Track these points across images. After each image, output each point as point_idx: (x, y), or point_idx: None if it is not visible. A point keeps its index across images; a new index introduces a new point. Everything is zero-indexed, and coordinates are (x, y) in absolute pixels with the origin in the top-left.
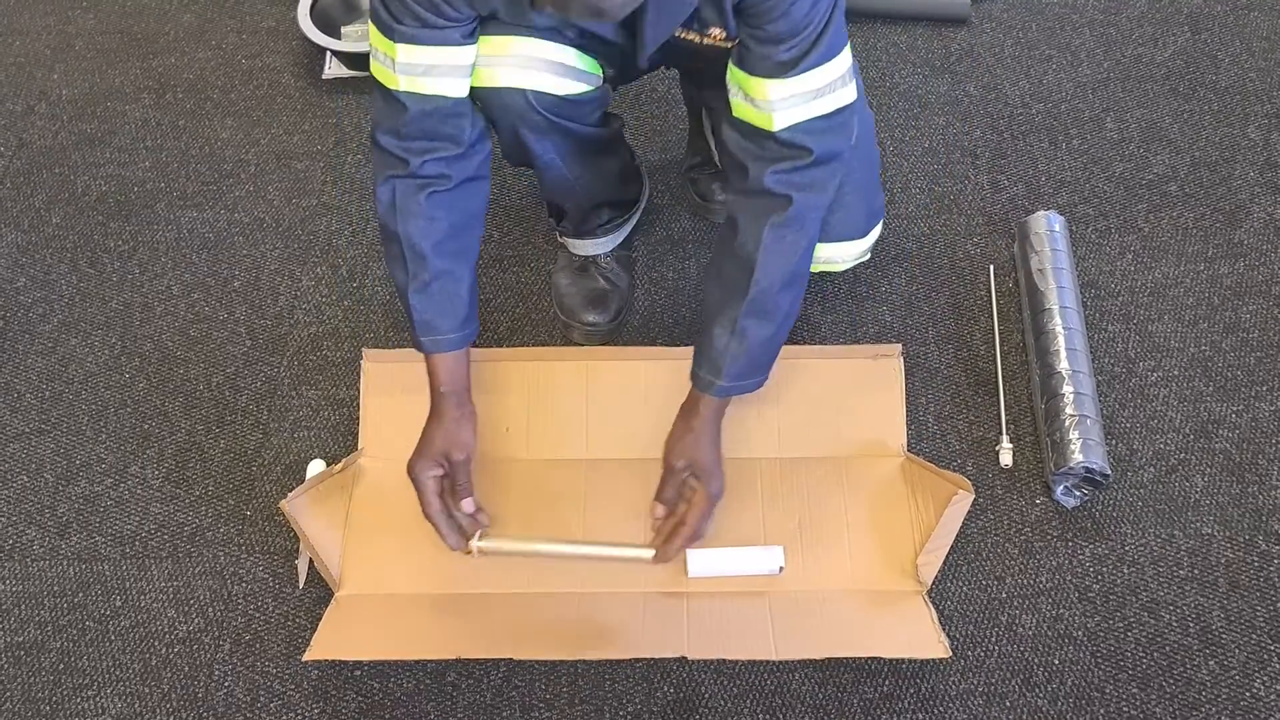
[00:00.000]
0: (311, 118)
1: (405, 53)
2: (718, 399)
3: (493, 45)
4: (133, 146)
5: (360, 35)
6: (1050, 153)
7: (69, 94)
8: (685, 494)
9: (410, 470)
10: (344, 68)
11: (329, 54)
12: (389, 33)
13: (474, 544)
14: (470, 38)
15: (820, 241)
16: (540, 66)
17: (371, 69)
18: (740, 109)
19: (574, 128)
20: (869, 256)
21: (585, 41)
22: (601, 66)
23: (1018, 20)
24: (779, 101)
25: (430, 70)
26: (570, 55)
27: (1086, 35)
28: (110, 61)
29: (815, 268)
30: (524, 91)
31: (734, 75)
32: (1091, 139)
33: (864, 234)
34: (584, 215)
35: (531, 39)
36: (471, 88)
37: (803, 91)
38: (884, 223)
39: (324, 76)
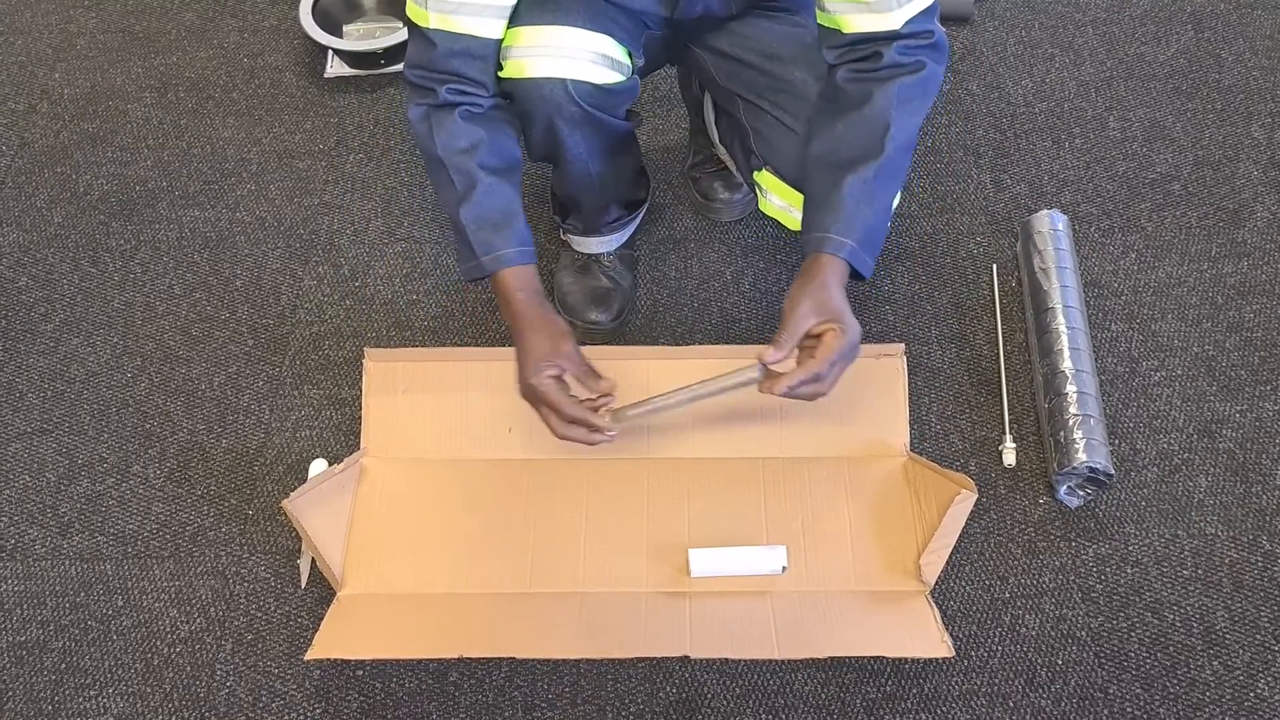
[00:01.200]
0: (313, 117)
1: None
2: (846, 262)
3: (530, 36)
4: (135, 145)
5: (362, 34)
6: (1053, 152)
7: (71, 93)
8: (808, 345)
9: (526, 386)
10: (346, 66)
11: (331, 53)
12: None
13: (610, 431)
14: None
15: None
16: (580, 55)
17: (407, 8)
18: (853, 23)
19: (606, 120)
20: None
21: (620, 23)
22: (632, 55)
23: (1020, 19)
24: None
25: (461, 6)
26: (607, 44)
27: (1089, 34)
28: (112, 60)
29: (790, 221)
30: (564, 81)
31: None
32: (1094, 138)
33: None
34: (597, 213)
35: (569, 28)
36: (507, 80)
37: None
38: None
39: (326, 75)
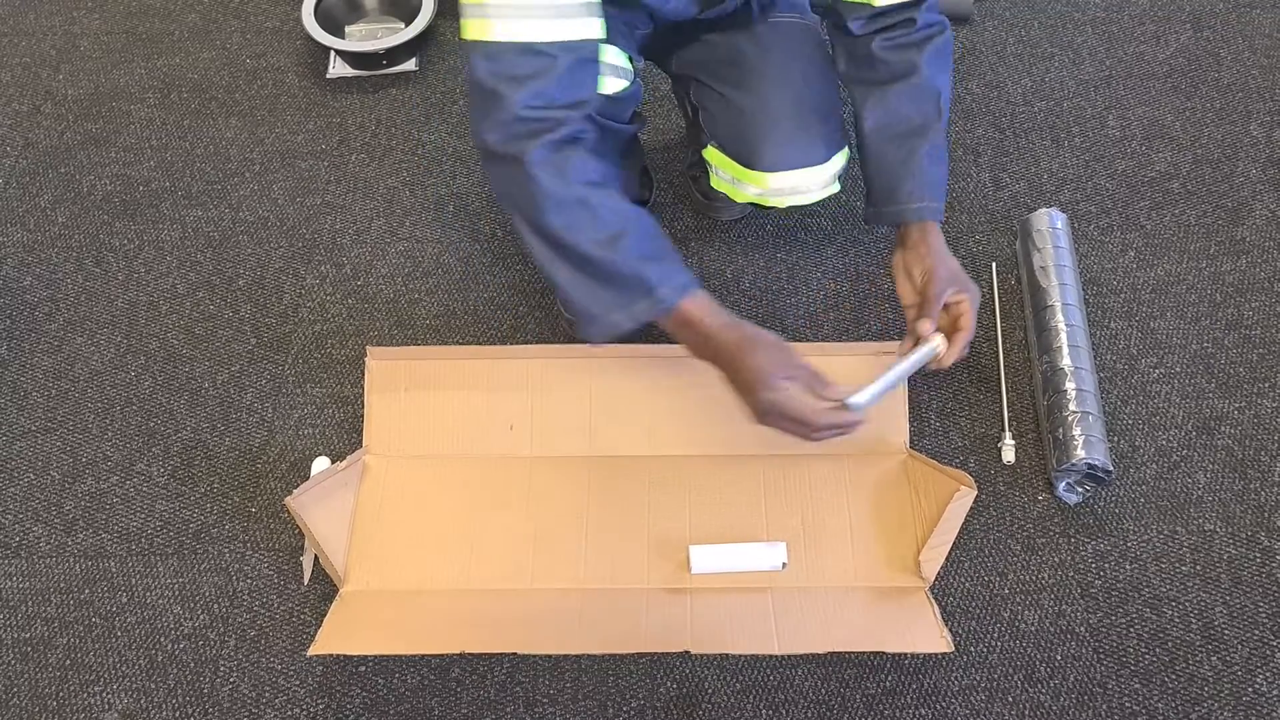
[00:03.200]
0: (316, 117)
1: None
2: (940, 224)
3: None
4: (138, 146)
5: (364, 35)
6: (1052, 150)
7: (74, 94)
8: (951, 311)
9: (767, 403)
10: (348, 67)
11: (333, 53)
12: None
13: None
14: None
15: (781, 170)
16: None
17: (485, 34)
18: None
19: (615, 127)
20: (839, 188)
21: (618, 27)
22: (633, 60)
23: (1020, 18)
24: None
25: (582, 10)
26: (613, 52)
27: (1089, 33)
28: (115, 61)
29: (783, 201)
30: None
31: None
32: (1094, 136)
33: (827, 158)
34: None
35: None
36: None
37: None
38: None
39: (328, 76)
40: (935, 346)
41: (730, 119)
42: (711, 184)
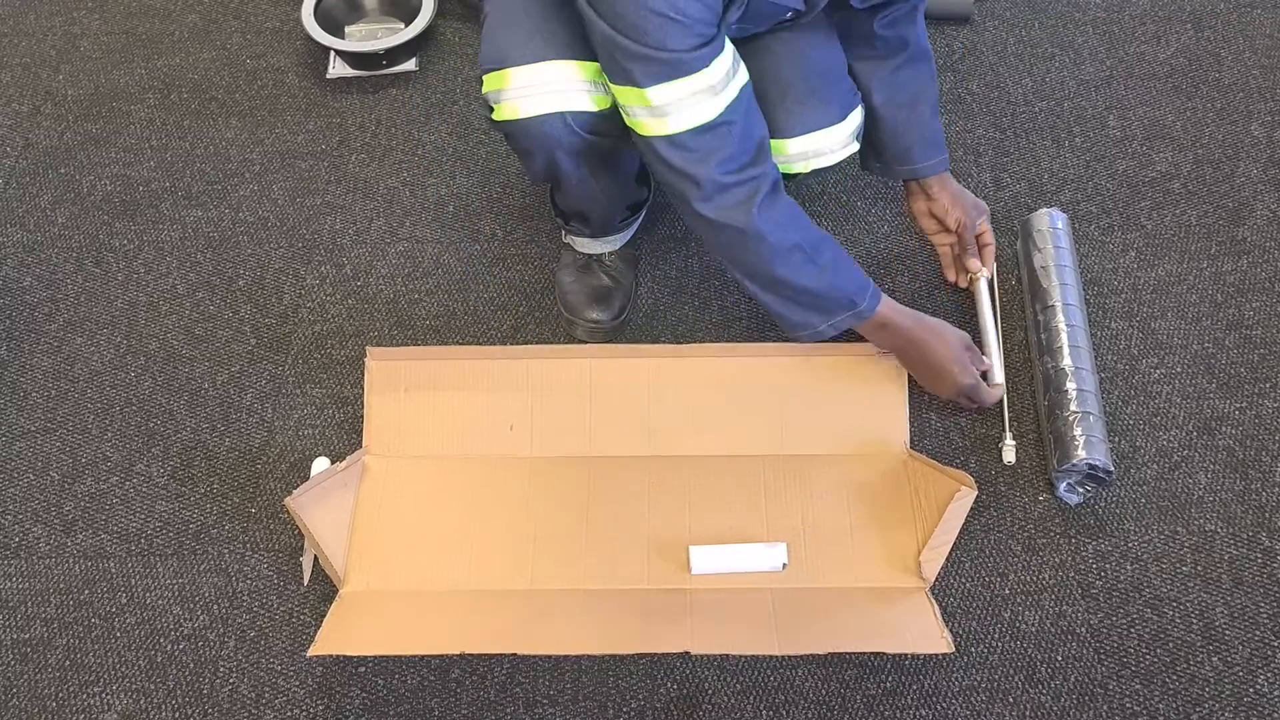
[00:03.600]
0: (316, 117)
1: (718, 69)
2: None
3: (519, 77)
4: (138, 146)
5: (364, 35)
6: (1053, 150)
7: (74, 94)
8: (981, 240)
9: (968, 386)
10: (348, 68)
11: (333, 54)
12: (696, 65)
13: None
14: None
15: (800, 134)
16: (572, 87)
17: (664, 130)
18: None
19: (604, 142)
20: (858, 146)
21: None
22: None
23: (1020, 18)
24: None
25: (732, 69)
26: (595, 69)
27: (1089, 33)
28: (115, 62)
29: (807, 165)
30: (562, 115)
31: None
32: (1094, 137)
33: (843, 117)
34: (604, 222)
35: (557, 62)
36: (502, 122)
37: None
38: (855, 163)
39: (328, 76)
40: (987, 278)
41: None
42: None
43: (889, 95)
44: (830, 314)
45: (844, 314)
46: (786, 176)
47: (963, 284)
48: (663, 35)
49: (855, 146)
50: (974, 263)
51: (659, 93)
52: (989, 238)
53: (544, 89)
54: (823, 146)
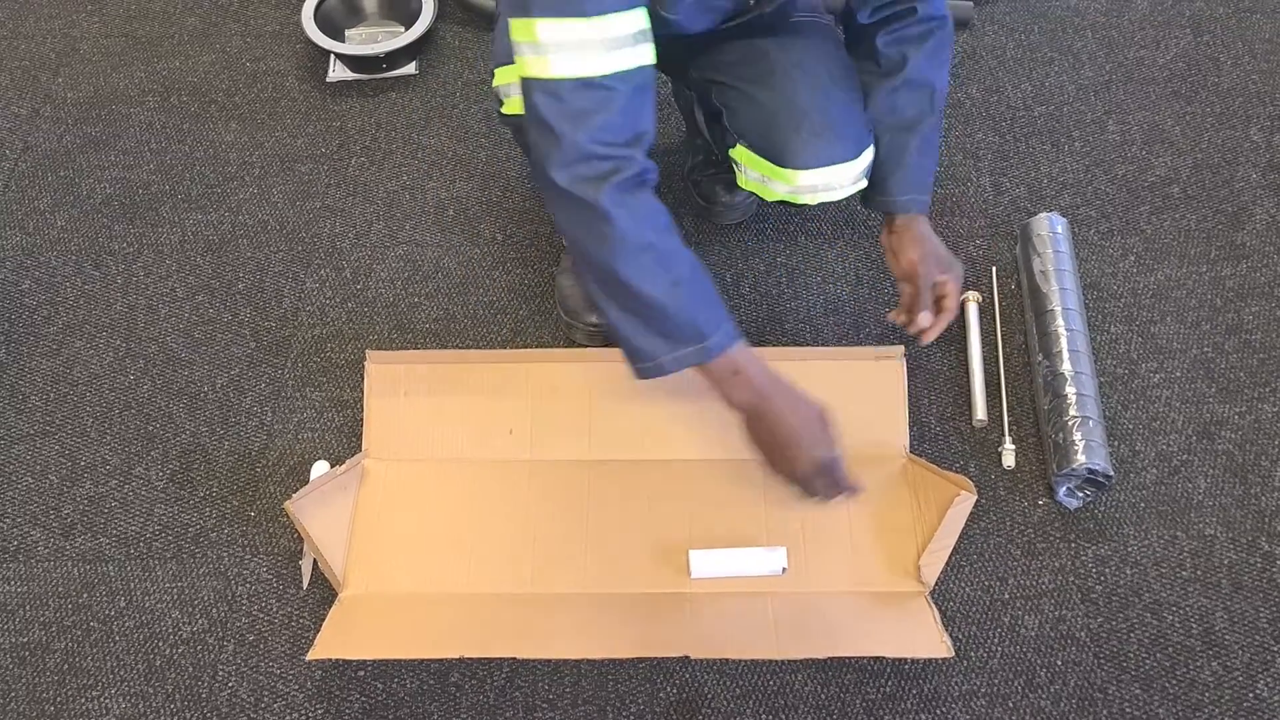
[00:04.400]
0: (315, 121)
1: (616, 24)
2: (926, 214)
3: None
4: (137, 149)
5: (364, 39)
6: (1052, 155)
7: (74, 97)
8: (936, 292)
9: (826, 461)
10: (348, 71)
11: (333, 57)
12: (595, 7)
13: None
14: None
15: (812, 167)
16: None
17: (544, 72)
18: None
19: None
20: (866, 183)
21: (682, 20)
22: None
23: (1020, 23)
24: None
25: (636, 39)
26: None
27: (1089, 38)
28: (115, 65)
29: (814, 198)
30: None
31: None
32: (1094, 141)
33: (856, 154)
34: None
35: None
36: (513, 115)
37: None
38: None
39: (328, 80)
40: (977, 301)
41: (759, 117)
42: (740, 184)
43: (879, 115)
44: (674, 342)
45: (690, 346)
46: (791, 205)
47: (910, 330)
48: None
49: (864, 184)
50: (924, 317)
51: (548, 27)
52: (950, 302)
53: None
54: (833, 181)
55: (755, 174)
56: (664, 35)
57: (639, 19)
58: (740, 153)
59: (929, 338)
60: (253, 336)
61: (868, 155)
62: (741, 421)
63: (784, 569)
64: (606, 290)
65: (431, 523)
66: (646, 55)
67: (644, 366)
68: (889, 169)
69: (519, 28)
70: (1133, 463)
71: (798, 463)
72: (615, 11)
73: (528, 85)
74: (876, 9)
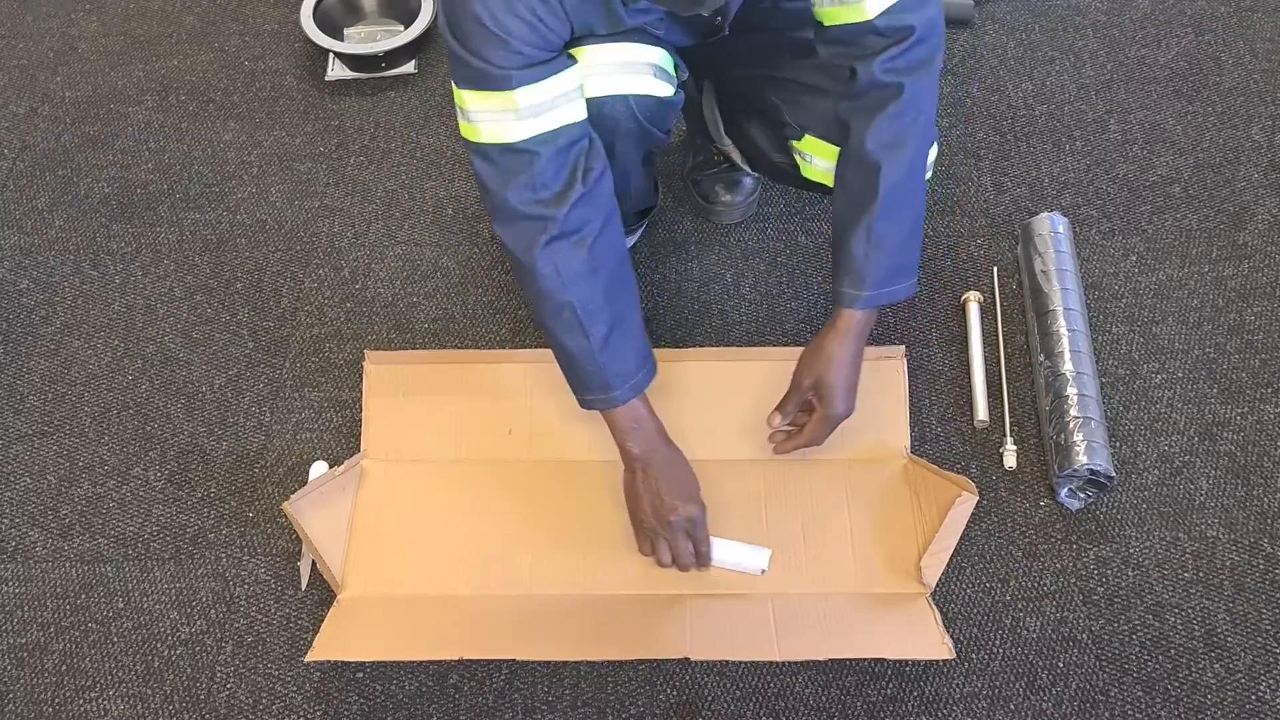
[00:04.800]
0: (314, 120)
1: (527, 95)
2: (863, 312)
3: (592, 55)
4: (135, 149)
5: (363, 37)
6: (1053, 154)
7: (72, 96)
8: (808, 409)
9: (681, 519)
10: (347, 70)
11: (331, 56)
12: (503, 83)
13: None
14: (572, 58)
15: None
16: (641, 70)
17: (475, 137)
18: (831, 15)
19: (656, 134)
20: (930, 174)
21: (665, 35)
22: (678, 67)
23: (1021, 22)
24: None
25: (554, 103)
26: (659, 55)
27: (1090, 37)
28: (113, 64)
29: None
30: (626, 98)
31: None
32: (1095, 141)
33: (932, 141)
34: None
35: (625, 44)
36: None
37: None
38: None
39: (326, 79)
40: (979, 301)
41: (824, 104)
42: (805, 174)
43: (836, 190)
44: (585, 389)
45: (598, 395)
46: (795, 205)
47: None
48: (478, 44)
49: (928, 174)
50: (775, 418)
51: (470, 98)
52: (810, 433)
53: (613, 70)
54: None
55: (825, 163)
56: (680, 43)
57: (560, 83)
58: (811, 143)
59: (779, 449)
60: (251, 336)
61: (933, 151)
62: (626, 469)
63: (763, 571)
64: (543, 333)
65: (430, 523)
66: (572, 113)
67: (580, 399)
68: (835, 253)
69: (456, 94)
70: (1134, 464)
71: (672, 513)
72: (530, 84)
73: (467, 146)
74: (826, 44)
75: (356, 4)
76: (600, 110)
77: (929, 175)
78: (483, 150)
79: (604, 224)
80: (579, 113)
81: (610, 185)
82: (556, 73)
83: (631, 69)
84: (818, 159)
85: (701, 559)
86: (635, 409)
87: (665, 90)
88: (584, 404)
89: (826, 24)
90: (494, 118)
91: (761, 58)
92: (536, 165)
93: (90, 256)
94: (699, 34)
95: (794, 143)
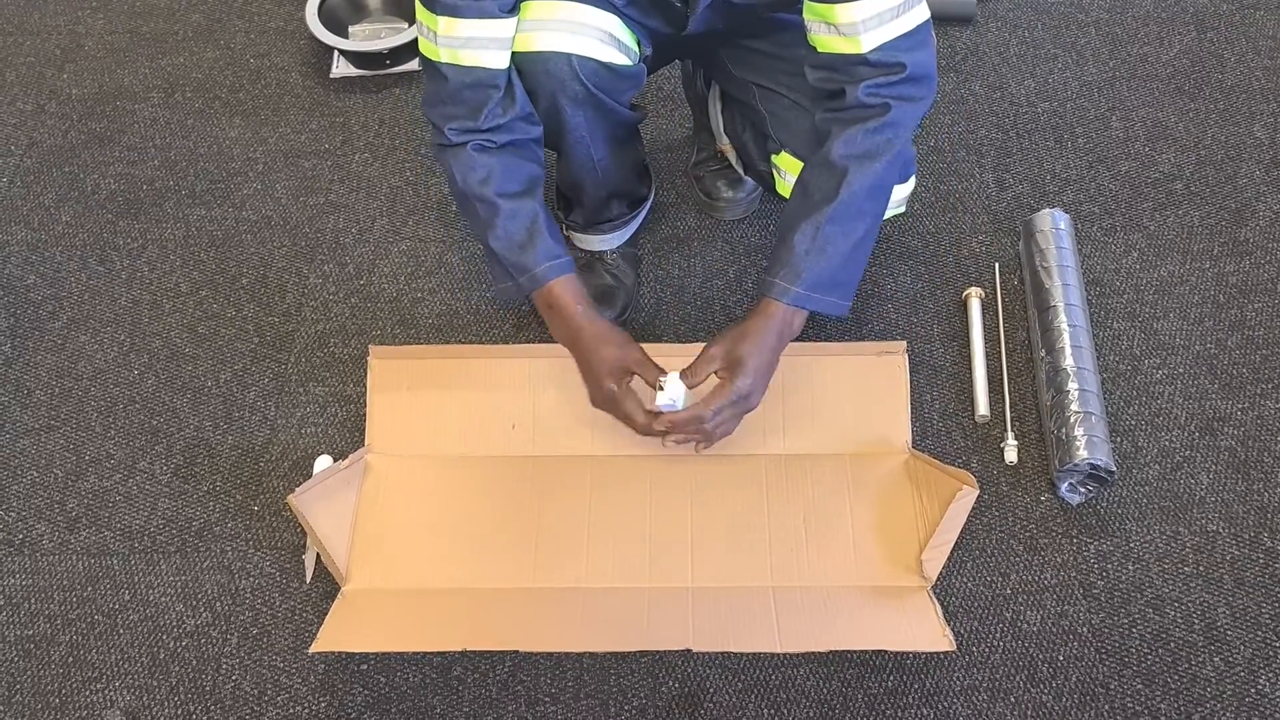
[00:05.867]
0: (319, 116)
1: (445, 25)
2: (788, 306)
3: (539, 10)
4: (142, 145)
5: (367, 35)
6: (1056, 151)
7: (79, 93)
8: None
9: (601, 396)
10: (351, 67)
11: (336, 53)
12: (431, 5)
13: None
14: (510, 12)
15: None
16: (586, 31)
17: (420, 44)
18: (826, 43)
19: (608, 103)
20: (904, 210)
21: (631, 10)
22: (640, 44)
23: (1023, 19)
24: (865, 22)
25: (468, 43)
26: (614, 24)
27: (1092, 34)
28: (120, 61)
29: None
30: (569, 56)
31: (812, 10)
32: (1097, 137)
33: (902, 180)
34: (598, 206)
35: (578, 4)
36: (515, 53)
37: (885, 9)
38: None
39: (331, 76)
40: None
41: (804, 124)
42: (778, 189)
43: (796, 189)
44: (499, 277)
45: (505, 282)
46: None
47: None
48: None
49: (903, 209)
50: (661, 396)
51: (420, 12)
52: (710, 402)
53: (559, 26)
54: None
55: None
56: (648, 25)
57: (479, 27)
58: (785, 160)
59: (668, 430)
60: (256, 332)
61: (910, 184)
62: None
63: (673, 401)
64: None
65: (434, 517)
66: (488, 59)
67: (496, 290)
68: (779, 238)
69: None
70: (1135, 458)
71: (591, 394)
72: (448, 15)
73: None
74: (816, 69)
75: (361, 1)
76: (545, 66)
77: (901, 211)
78: (421, 56)
79: (502, 146)
80: (496, 61)
81: (532, 139)
82: (480, 16)
83: (577, 29)
84: (790, 175)
85: (641, 428)
86: (543, 298)
87: (616, 58)
88: (495, 292)
89: (820, 50)
90: (424, 33)
91: (759, 68)
92: (445, 87)
93: (97, 252)
94: (663, 19)
95: (773, 156)
